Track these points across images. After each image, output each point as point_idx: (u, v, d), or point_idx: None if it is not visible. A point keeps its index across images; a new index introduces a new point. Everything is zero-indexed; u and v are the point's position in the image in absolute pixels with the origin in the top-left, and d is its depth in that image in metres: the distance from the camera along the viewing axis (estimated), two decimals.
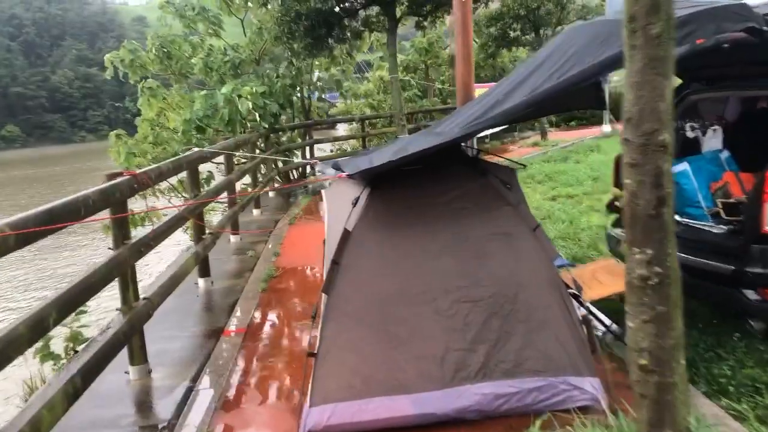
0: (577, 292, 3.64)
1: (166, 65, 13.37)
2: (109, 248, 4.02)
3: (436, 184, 3.72)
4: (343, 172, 4.56)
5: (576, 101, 4.49)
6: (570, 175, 10.83)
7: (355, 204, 3.62)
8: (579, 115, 22.09)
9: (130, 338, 3.90)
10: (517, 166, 4.00)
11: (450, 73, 19.19)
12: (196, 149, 5.84)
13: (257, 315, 5.43)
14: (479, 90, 12.33)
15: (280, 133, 13.26)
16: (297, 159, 14.04)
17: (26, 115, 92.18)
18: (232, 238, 8.22)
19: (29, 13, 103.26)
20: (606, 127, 17.29)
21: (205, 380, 4.17)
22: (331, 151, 17.68)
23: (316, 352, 3.30)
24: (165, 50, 13.16)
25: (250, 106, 10.73)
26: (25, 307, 5.85)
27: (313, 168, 14.70)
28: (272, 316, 5.43)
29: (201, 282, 6.20)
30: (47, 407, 2.73)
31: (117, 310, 4.02)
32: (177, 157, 5.26)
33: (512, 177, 3.85)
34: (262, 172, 11.86)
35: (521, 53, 20.40)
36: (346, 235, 3.52)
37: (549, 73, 3.06)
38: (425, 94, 19.12)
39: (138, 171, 4.05)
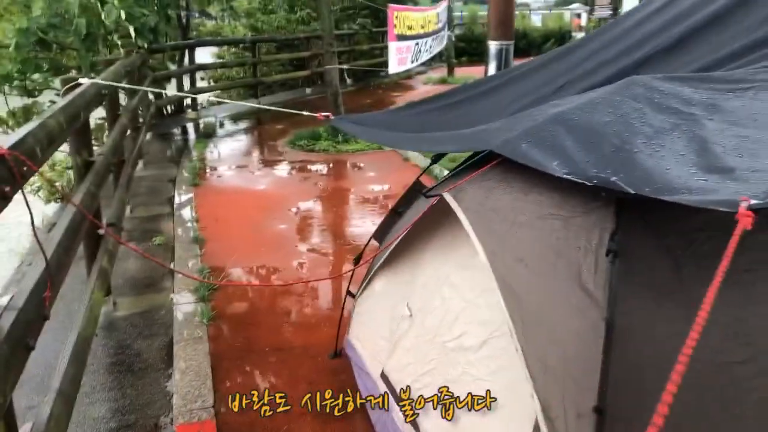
0: None
1: None
2: None
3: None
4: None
5: None
6: None
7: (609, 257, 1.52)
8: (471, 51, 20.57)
9: None
10: None
11: None
12: (85, 80, 3.20)
13: (223, 385, 3.13)
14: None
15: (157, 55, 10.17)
16: (173, 92, 11.01)
17: None
18: None
19: None
20: None
21: None
22: (202, 79, 14.53)
23: None
24: None
25: (122, 16, 7.66)
26: None
27: (195, 104, 11.74)
28: (256, 382, 3.17)
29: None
30: None
31: None
32: (66, 99, 2.66)
33: None
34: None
35: None
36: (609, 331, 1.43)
37: None
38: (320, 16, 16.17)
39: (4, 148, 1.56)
